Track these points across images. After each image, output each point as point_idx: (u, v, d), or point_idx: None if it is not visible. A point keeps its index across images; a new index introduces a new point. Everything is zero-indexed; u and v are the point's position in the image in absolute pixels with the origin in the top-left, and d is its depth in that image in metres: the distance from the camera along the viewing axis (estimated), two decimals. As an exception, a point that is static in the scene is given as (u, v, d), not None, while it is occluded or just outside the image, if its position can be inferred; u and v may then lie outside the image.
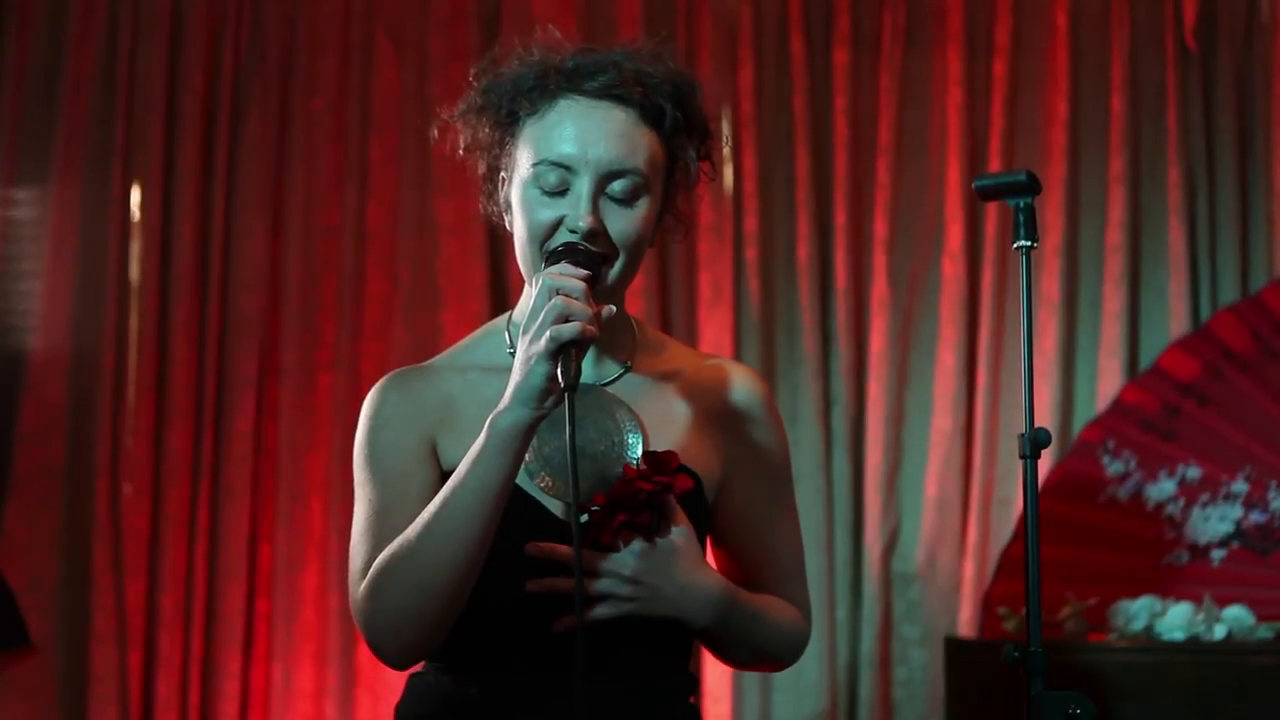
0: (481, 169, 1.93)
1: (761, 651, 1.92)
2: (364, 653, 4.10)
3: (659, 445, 1.86)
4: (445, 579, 1.71)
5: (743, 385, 1.96)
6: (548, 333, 1.65)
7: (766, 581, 1.93)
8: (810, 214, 4.27)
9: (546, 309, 1.67)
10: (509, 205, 1.89)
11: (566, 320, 1.66)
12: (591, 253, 1.76)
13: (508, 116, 1.88)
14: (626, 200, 1.81)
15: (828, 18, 4.34)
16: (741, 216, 4.28)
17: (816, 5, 4.34)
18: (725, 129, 4.28)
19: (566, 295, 1.68)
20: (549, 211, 1.80)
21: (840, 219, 4.27)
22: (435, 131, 1.96)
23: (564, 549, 1.76)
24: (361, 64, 4.32)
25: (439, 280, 4.24)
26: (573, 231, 1.79)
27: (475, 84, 1.91)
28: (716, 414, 1.93)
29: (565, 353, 1.66)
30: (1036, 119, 4.29)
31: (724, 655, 1.92)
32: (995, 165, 4.22)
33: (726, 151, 4.29)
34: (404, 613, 1.72)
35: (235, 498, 4.17)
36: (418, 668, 1.90)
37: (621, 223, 1.81)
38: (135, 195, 4.26)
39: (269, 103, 4.30)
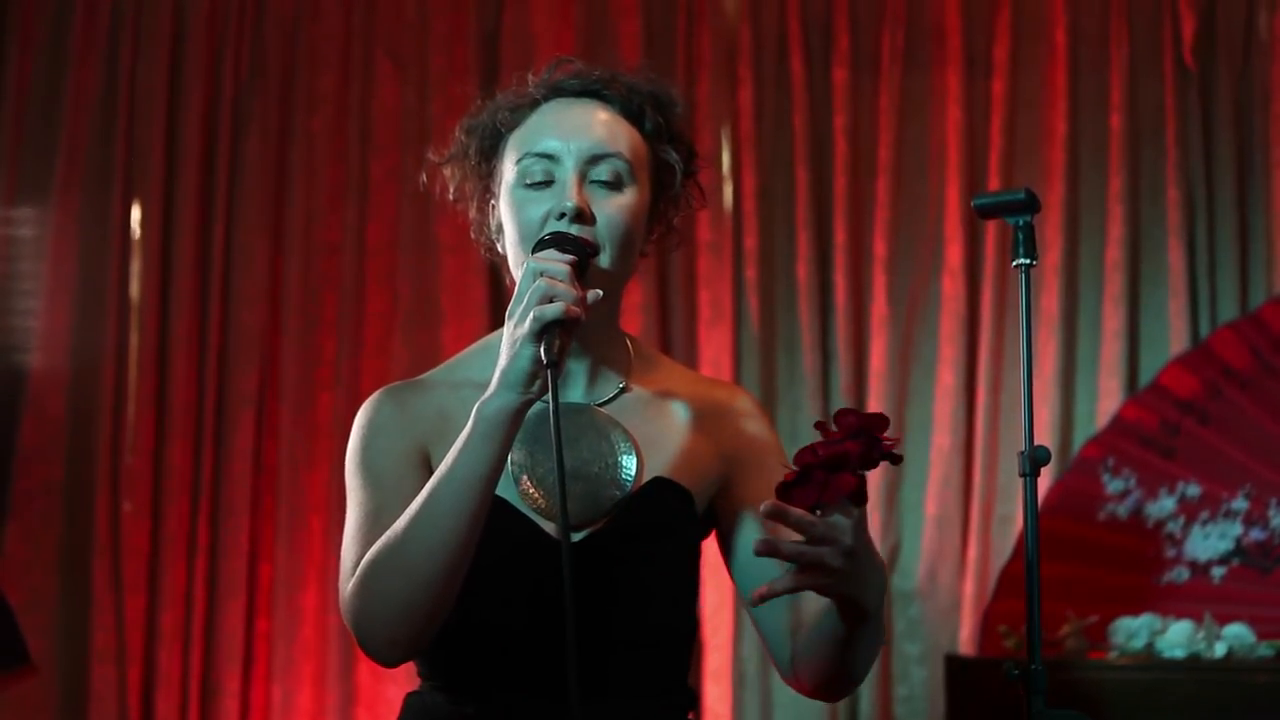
0: (472, 211, 1.95)
1: (872, 658, 1.83)
2: (363, 672, 4.10)
3: (653, 466, 1.86)
4: (433, 568, 1.68)
5: (735, 401, 1.97)
6: (531, 313, 1.64)
7: None
8: (810, 232, 4.28)
9: (530, 291, 1.66)
10: (500, 228, 1.90)
11: (550, 301, 1.65)
12: (579, 241, 1.76)
13: (491, 139, 1.90)
14: (611, 185, 1.82)
15: (827, 37, 4.35)
16: (741, 235, 4.29)
17: (816, 25, 4.36)
18: (725, 148, 4.31)
19: (550, 278, 1.67)
20: (536, 207, 1.81)
21: (840, 237, 4.28)
22: (424, 177, 1.98)
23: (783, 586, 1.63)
24: (361, 82, 4.33)
25: (439, 298, 4.25)
26: (560, 217, 1.79)
27: (459, 131, 1.93)
28: (712, 433, 1.92)
29: (549, 333, 1.64)
30: (1035, 138, 4.30)
31: (854, 662, 1.78)
32: (994, 184, 4.23)
33: (726, 170, 4.31)
34: (392, 604, 1.70)
35: (235, 516, 4.17)
36: (414, 687, 1.89)
37: (608, 209, 1.81)
38: (136, 213, 4.27)
39: (269, 121, 4.31)
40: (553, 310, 1.64)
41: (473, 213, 1.95)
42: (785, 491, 1.61)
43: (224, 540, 4.17)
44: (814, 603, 1.83)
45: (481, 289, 4.22)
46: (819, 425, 1.64)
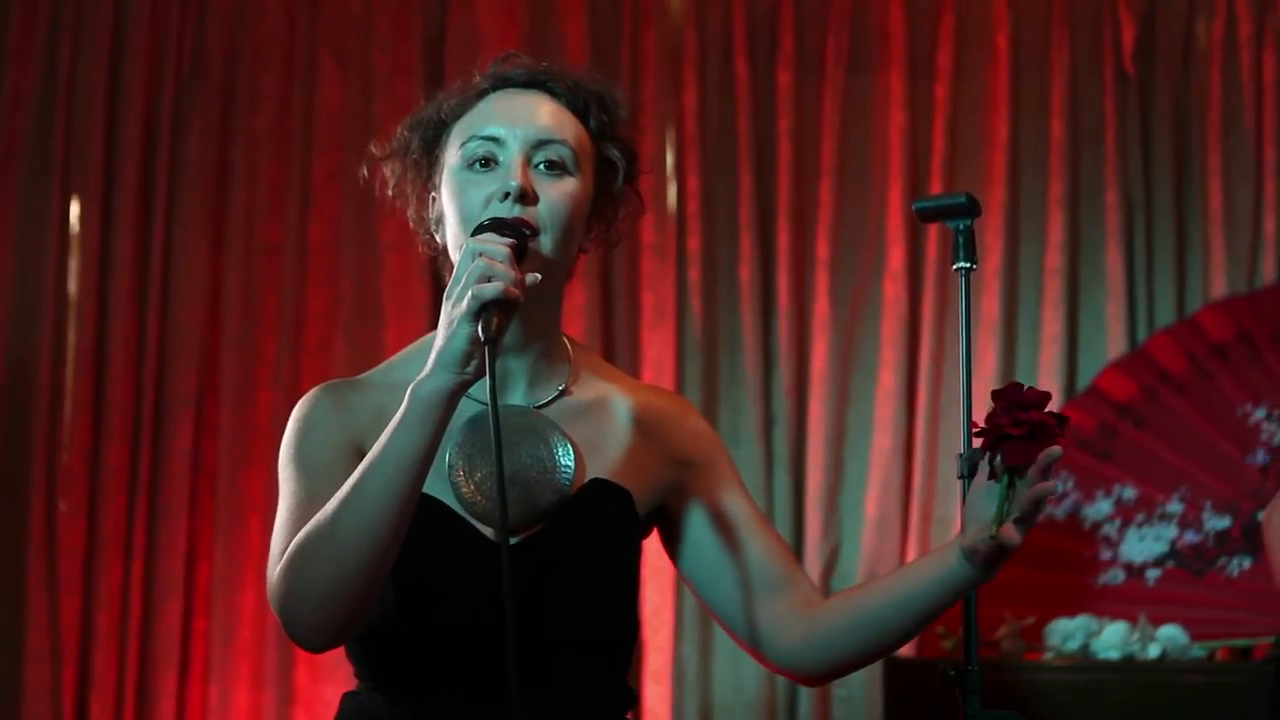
0: (411, 210, 1.94)
1: None
2: (301, 672, 4.08)
3: (593, 468, 1.86)
4: (362, 551, 1.66)
5: (678, 407, 1.99)
6: (470, 292, 1.63)
7: (787, 556, 1.92)
8: (753, 234, 4.29)
9: (469, 271, 1.65)
10: (440, 220, 1.89)
11: (489, 281, 1.64)
12: (518, 226, 1.75)
13: (435, 129, 1.90)
14: (555, 171, 1.82)
15: (772, 40, 4.36)
16: (685, 236, 4.29)
17: (760, 27, 4.37)
18: (669, 150, 4.31)
19: (489, 259, 1.66)
20: (479, 190, 1.81)
21: (783, 239, 4.29)
22: (365, 170, 1.98)
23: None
24: (304, 81, 4.31)
25: (381, 297, 4.23)
26: (505, 197, 1.78)
27: (402, 128, 1.93)
28: (657, 439, 1.93)
29: (487, 312, 1.63)
30: (977, 142, 4.33)
31: (905, 636, 1.85)
32: (936, 187, 4.25)
33: (670, 171, 4.32)
34: (320, 587, 1.67)
35: (173, 516, 4.14)
36: (352, 686, 1.88)
37: (551, 193, 1.81)
38: (74, 209, 4.23)
39: (210, 119, 4.27)
40: (491, 290, 1.63)
41: (411, 211, 1.95)
42: (1000, 446, 1.69)
43: (161, 540, 4.14)
44: (799, 585, 1.88)
45: (423, 289, 4.21)
46: (996, 393, 1.70)
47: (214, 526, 4.15)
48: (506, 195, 1.79)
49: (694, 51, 4.33)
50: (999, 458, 1.69)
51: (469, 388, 1.67)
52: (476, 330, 1.62)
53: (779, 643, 1.88)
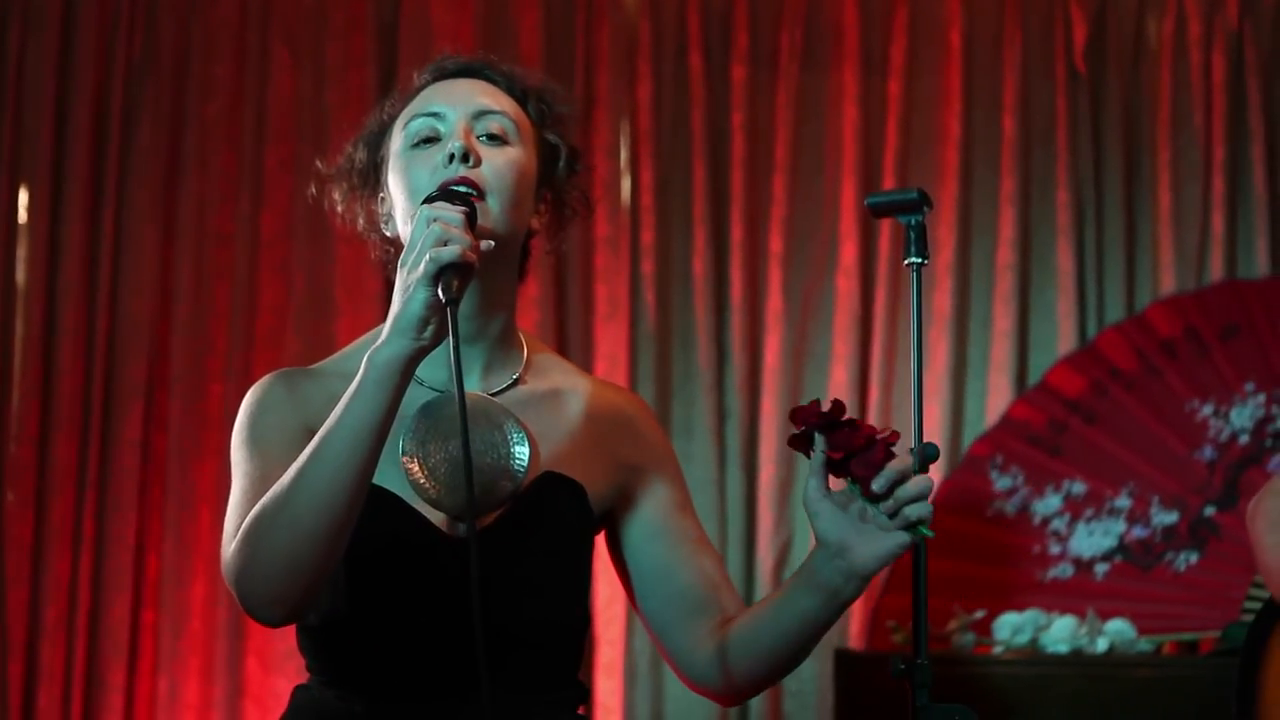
0: (361, 220, 1.95)
1: None
2: (251, 665, 4.06)
3: (545, 459, 1.86)
4: (320, 520, 1.65)
5: (632, 408, 1.98)
6: (427, 256, 1.62)
7: (718, 578, 1.92)
8: (707, 228, 4.30)
9: (425, 236, 1.65)
10: (390, 217, 1.90)
11: (445, 245, 1.64)
12: (467, 196, 1.75)
13: (379, 133, 1.92)
14: (496, 142, 1.84)
15: (726, 34, 4.37)
16: (638, 230, 4.29)
17: (715, 22, 4.37)
18: (623, 143, 4.31)
19: (445, 224, 1.66)
20: (424, 164, 1.82)
21: (736, 234, 4.30)
22: (313, 188, 1.99)
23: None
24: (257, 70, 4.28)
25: (333, 289, 4.21)
26: (450, 160, 1.79)
27: (348, 146, 1.96)
28: (609, 439, 1.93)
29: (445, 275, 1.62)
30: (930, 138, 4.35)
31: (804, 656, 1.84)
32: (889, 183, 4.27)
33: (624, 164, 4.31)
34: (277, 558, 1.65)
35: (122, 507, 4.10)
36: (303, 679, 1.88)
37: (495, 159, 1.82)
38: (23, 198, 4.19)
39: (162, 107, 4.24)
40: (449, 252, 1.62)
41: (361, 221, 1.96)
42: (850, 462, 1.68)
43: (110, 532, 4.10)
44: (723, 609, 1.88)
45: (376, 281, 4.19)
46: (805, 414, 1.70)
47: (163, 518, 4.12)
48: (451, 158, 1.80)
49: (648, 45, 4.33)
50: (848, 473, 1.68)
51: (426, 354, 1.66)
52: (435, 294, 1.62)
53: (693, 664, 1.89)
